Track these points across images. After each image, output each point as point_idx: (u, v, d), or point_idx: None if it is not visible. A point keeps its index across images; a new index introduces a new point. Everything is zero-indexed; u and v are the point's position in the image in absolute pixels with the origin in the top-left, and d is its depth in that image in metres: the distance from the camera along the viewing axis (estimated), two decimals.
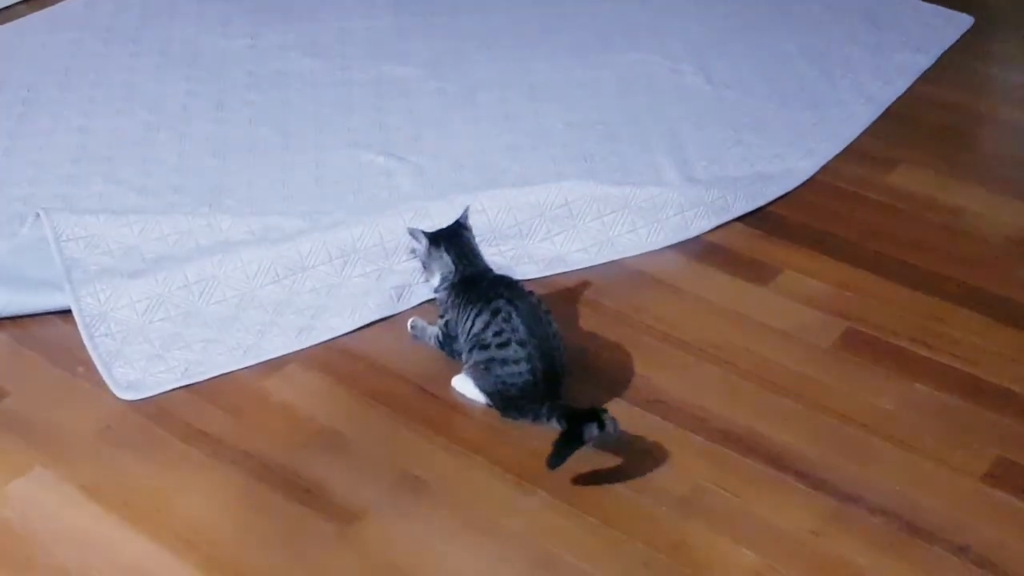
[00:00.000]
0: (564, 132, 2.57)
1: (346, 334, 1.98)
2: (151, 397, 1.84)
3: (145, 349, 1.92)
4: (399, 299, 2.05)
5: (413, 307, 2.04)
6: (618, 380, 1.89)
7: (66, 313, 1.98)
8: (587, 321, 2.03)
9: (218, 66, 2.83)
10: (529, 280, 2.10)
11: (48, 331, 1.98)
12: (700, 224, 2.25)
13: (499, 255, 2.15)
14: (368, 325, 2.00)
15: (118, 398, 1.83)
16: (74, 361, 1.91)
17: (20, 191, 2.33)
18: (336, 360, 1.93)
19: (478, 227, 2.19)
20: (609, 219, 2.23)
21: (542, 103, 2.69)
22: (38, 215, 2.10)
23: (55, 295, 2.00)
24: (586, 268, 2.16)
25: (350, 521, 1.64)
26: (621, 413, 1.82)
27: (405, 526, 1.64)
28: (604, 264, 2.17)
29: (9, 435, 1.78)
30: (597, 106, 2.67)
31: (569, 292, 2.10)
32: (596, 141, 2.54)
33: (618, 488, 1.70)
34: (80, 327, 1.94)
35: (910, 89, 2.74)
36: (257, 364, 1.91)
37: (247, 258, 2.06)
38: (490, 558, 1.59)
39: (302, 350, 1.94)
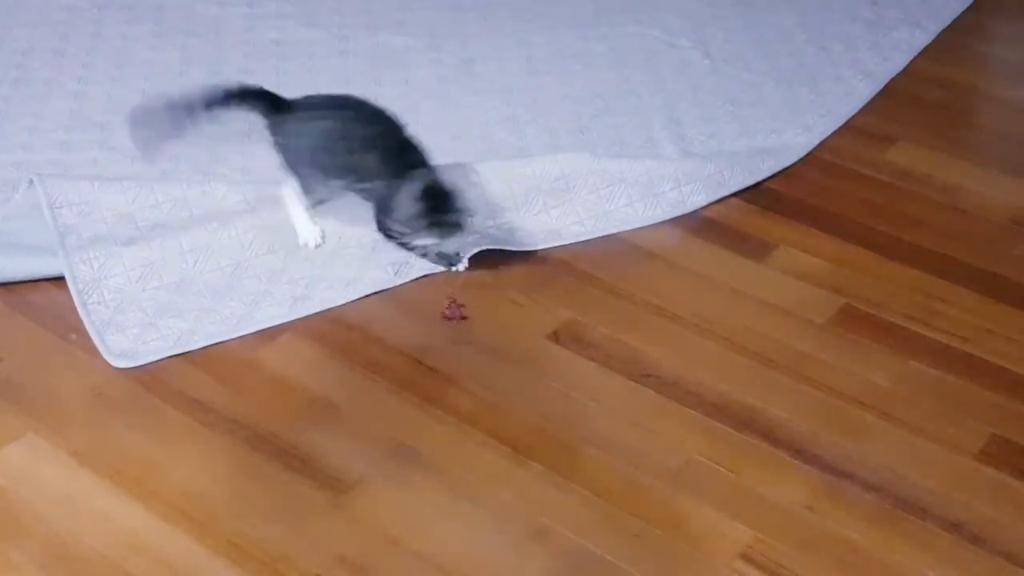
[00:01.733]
0: (561, 105, 2.56)
1: (341, 305, 1.97)
2: (152, 366, 1.83)
3: (138, 317, 1.91)
4: (396, 273, 2.04)
5: (410, 281, 2.03)
6: (613, 354, 1.89)
7: (59, 279, 1.97)
8: (582, 294, 2.02)
9: (214, 34, 2.80)
10: (526, 254, 2.09)
11: (41, 297, 1.97)
12: (697, 199, 2.24)
13: (496, 228, 2.14)
14: (364, 296, 2.00)
15: (111, 365, 1.82)
16: (67, 328, 1.90)
17: (14, 157, 2.31)
18: (331, 330, 1.92)
19: (475, 199, 2.18)
20: (605, 192, 2.23)
21: (539, 75, 2.67)
22: (31, 181, 2.09)
23: (48, 261, 1.99)
24: (582, 242, 2.15)
25: (343, 491, 1.64)
26: (616, 387, 1.83)
27: (399, 496, 1.64)
28: (600, 238, 2.16)
29: (0, 401, 1.77)
30: (595, 79, 2.65)
31: (565, 265, 2.09)
32: (593, 114, 2.52)
33: (612, 461, 1.70)
34: (73, 294, 1.93)
35: (909, 66, 2.73)
36: (251, 333, 1.90)
37: (242, 227, 2.04)
38: (483, 529, 1.59)
39: (296, 320, 1.94)
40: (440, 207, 1.91)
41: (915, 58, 2.76)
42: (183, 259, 1.99)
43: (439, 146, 2.38)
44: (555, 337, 1.92)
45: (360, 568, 1.53)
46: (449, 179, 1.94)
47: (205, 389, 1.79)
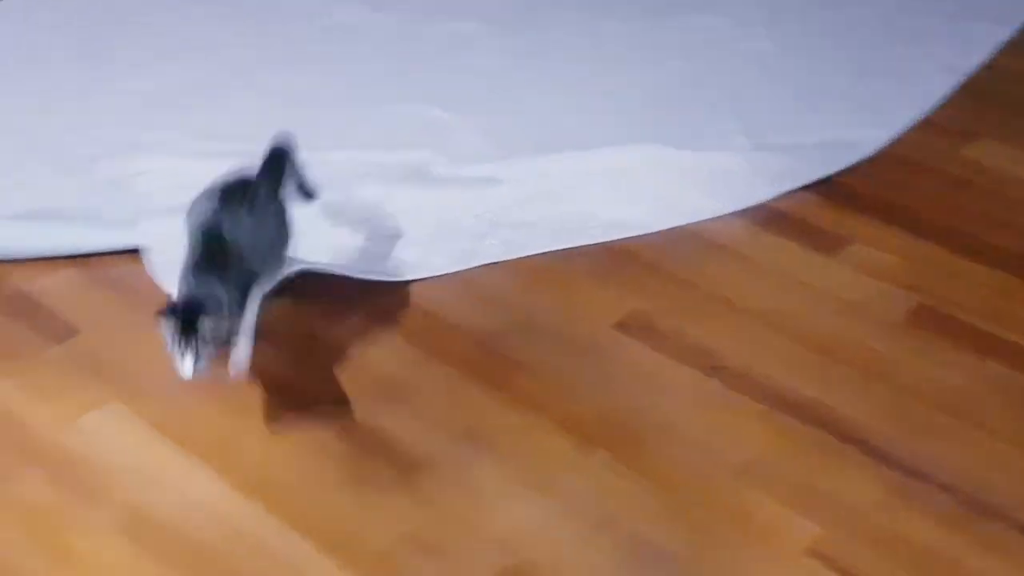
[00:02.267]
0: (631, 94, 2.55)
1: (411, 286, 1.98)
2: None
3: None
4: (463, 258, 2.04)
5: (478, 266, 2.03)
6: (681, 345, 1.88)
7: (137, 253, 2.01)
8: (650, 286, 2.01)
9: (289, 18, 2.83)
10: (593, 244, 2.09)
11: (120, 270, 2.01)
12: (766, 191, 2.22)
13: (560, 219, 2.13)
14: (433, 278, 2.00)
15: None
16: (144, 301, 1.93)
17: (92, 134, 2.36)
18: (402, 313, 1.94)
19: (542, 189, 2.18)
20: (674, 183, 2.22)
21: (609, 65, 2.66)
22: (111, 155, 2.13)
23: (125, 234, 2.03)
24: (650, 233, 2.14)
25: (412, 471, 1.65)
26: (684, 378, 1.82)
27: (465, 479, 1.65)
28: (669, 229, 2.15)
29: (81, 371, 1.80)
30: (666, 69, 2.64)
31: (633, 255, 2.08)
32: (664, 104, 2.51)
33: (679, 453, 1.69)
34: (147, 259, 1.97)
35: (990, 61, 2.68)
36: (323, 313, 1.92)
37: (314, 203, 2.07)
38: (548, 515, 1.60)
39: (369, 302, 1.95)
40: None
41: (996, 53, 2.70)
42: None
43: (507, 133, 2.39)
44: (622, 326, 1.92)
45: (427, 547, 1.54)
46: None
47: (279, 365, 1.82)
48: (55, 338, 1.87)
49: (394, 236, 2.08)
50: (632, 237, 2.12)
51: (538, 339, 1.89)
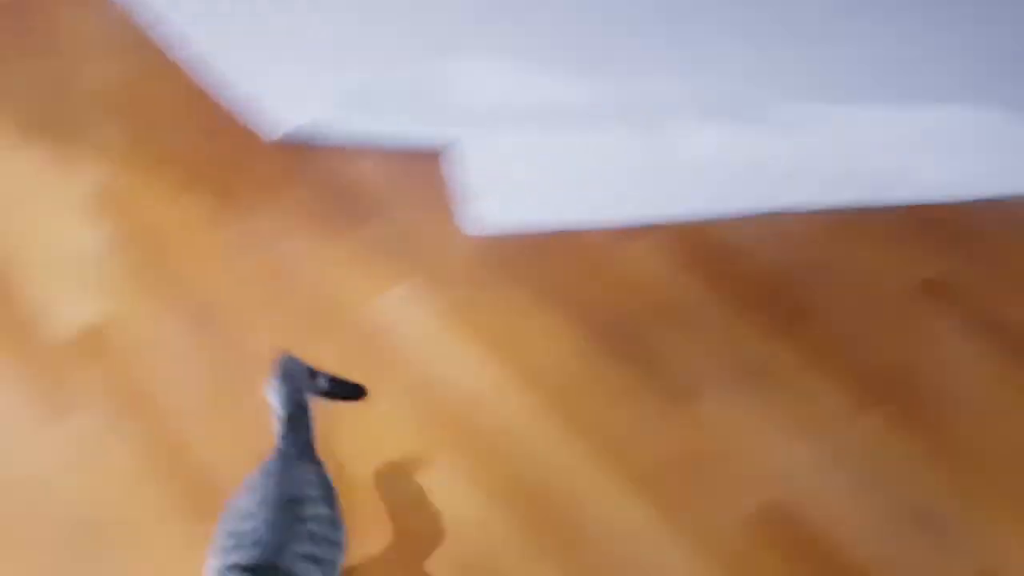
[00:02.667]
0: (962, 53, 2.38)
1: (708, 221, 1.97)
2: (513, 239, 1.92)
3: (509, 190, 2.00)
4: (764, 199, 1.99)
5: (779, 210, 1.99)
6: (983, 318, 1.78)
7: (441, 150, 2.10)
8: (959, 253, 1.90)
9: None
10: (903, 205, 1.99)
11: (422, 165, 2.09)
12: None
13: (873, 172, 2.05)
14: (730, 216, 1.98)
15: (481, 235, 1.93)
16: (441, 196, 2.01)
17: (418, 32, 2.44)
18: (693, 242, 1.93)
19: (858, 141, 2.09)
20: (998, 150, 2.08)
21: (943, 20, 2.49)
22: (433, 55, 2.23)
23: (437, 130, 2.12)
24: (966, 199, 2.01)
25: (683, 396, 1.66)
26: (979, 351, 1.72)
27: (736, 413, 1.64)
28: (987, 197, 2.01)
29: (377, 255, 1.91)
30: (1000, 30, 2.44)
31: (943, 220, 1.97)
32: (996, 66, 2.33)
33: (965, 425, 1.61)
34: (452, 160, 2.05)
35: None
36: (616, 232, 1.95)
37: (616, 129, 2.09)
38: (816, 462, 1.57)
39: (661, 229, 1.96)
40: None
41: None
42: (561, 145, 2.07)
43: (827, 80, 2.29)
44: (923, 289, 1.83)
45: (690, 470, 1.55)
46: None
47: (568, 273, 1.86)
48: (362, 219, 1.99)
49: (698, 170, 2.06)
50: (945, 200, 2.01)
51: (831, 289, 1.84)
